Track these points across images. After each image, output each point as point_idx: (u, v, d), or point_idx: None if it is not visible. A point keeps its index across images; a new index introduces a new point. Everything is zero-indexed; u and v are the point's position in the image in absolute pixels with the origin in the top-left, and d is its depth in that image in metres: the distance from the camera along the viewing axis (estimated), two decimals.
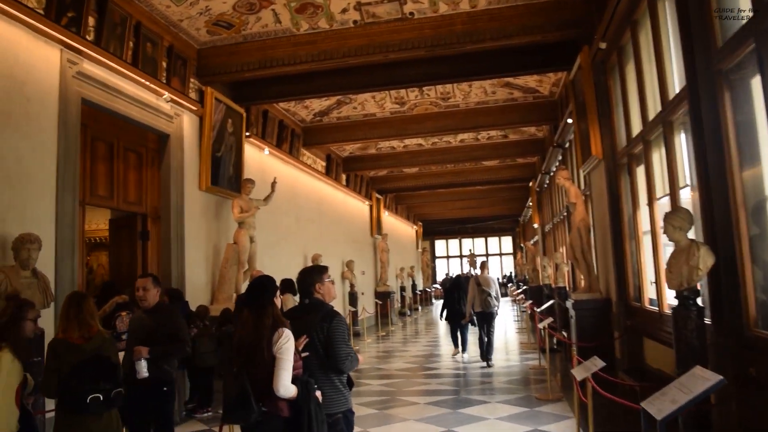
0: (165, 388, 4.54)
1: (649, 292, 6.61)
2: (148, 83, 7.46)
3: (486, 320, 10.51)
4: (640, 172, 6.70)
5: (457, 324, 11.49)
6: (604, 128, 7.64)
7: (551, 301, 12.34)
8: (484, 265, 11.20)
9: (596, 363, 4.53)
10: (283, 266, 12.10)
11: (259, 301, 3.41)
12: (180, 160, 8.38)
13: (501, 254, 39.05)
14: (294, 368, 3.30)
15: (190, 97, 8.60)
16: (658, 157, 5.96)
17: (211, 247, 9.15)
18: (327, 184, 15.74)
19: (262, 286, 3.50)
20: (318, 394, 3.40)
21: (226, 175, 9.53)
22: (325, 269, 3.92)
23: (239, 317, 3.61)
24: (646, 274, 6.72)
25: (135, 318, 4.83)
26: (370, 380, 9.44)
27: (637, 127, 6.60)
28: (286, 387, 3.22)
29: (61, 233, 5.97)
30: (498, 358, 11.18)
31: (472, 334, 11.56)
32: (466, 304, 10.99)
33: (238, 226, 9.19)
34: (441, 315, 12.07)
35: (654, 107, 5.88)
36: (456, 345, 11.67)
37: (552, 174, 14.88)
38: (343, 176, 17.57)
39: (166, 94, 7.83)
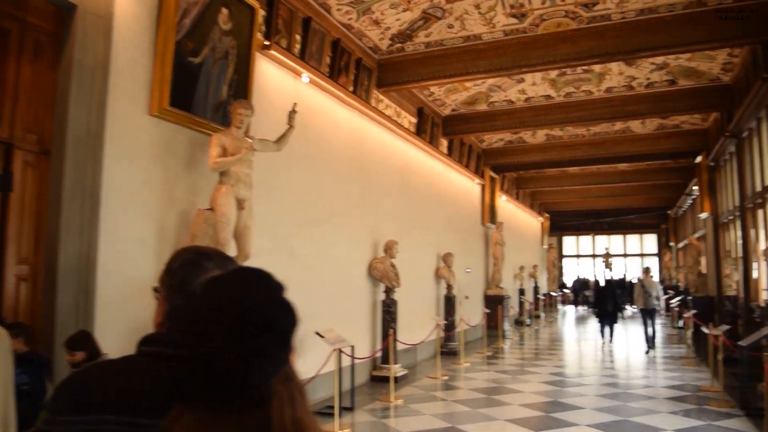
0: None
1: None
2: None
3: (649, 315, 12.90)
4: None
5: (605, 321, 14.02)
6: None
7: (763, 333, 7.49)
8: (648, 271, 14.01)
9: None
10: (337, 256, 8.24)
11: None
12: (102, 56, 4.64)
13: (642, 255, 32.83)
14: None
15: None
16: None
17: (174, 215, 5.37)
18: (418, 147, 11.62)
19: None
20: None
21: (211, 98, 5.72)
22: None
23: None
24: None
25: None
26: None
27: None
28: None
29: None
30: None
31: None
32: (612, 305, 13.95)
33: (219, 179, 5.35)
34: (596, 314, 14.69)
35: None
36: (602, 336, 14.09)
37: (741, 135, 9.86)
38: (444, 141, 13.39)
39: None
